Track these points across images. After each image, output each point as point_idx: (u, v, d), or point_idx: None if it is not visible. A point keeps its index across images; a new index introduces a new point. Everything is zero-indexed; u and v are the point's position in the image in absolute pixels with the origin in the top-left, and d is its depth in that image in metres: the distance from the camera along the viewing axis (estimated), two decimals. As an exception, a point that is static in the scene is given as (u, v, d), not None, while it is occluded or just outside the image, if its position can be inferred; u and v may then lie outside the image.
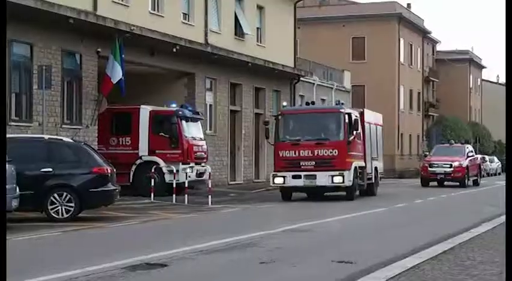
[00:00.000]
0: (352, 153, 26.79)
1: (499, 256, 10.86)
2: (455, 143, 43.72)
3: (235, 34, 36.46)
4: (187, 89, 32.99)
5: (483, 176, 50.87)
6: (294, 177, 25.98)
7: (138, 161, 28.05)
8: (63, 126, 24.75)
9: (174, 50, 29.75)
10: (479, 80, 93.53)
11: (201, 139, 29.45)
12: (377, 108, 60.69)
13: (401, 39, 65.28)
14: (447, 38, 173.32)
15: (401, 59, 65.46)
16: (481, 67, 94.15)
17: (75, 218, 17.71)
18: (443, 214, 21.18)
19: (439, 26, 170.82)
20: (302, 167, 26.05)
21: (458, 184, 38.16)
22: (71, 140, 19.18)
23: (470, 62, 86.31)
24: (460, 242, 12.54)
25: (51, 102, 23.91)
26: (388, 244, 13.64)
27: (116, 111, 28.58)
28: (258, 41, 38.92)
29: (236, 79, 36.29)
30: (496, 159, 68.12)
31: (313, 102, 31.34)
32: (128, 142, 28.38)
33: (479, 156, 45.31)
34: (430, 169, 38.48)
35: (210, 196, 23.99)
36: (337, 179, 25.76)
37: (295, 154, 26.20)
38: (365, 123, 29.11)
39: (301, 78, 43.18)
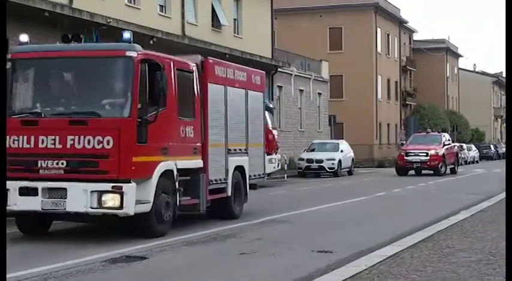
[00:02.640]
0: (159, 144, 13.20)
1: (478, 243, 10.94)
2: (432, 131, 43.82)
3: (212, 26, 36.39)
4: (164, 81, 32.82)
5: (461, 164, 51.17)
6: (23, 192, 12.81)
7: None
8: (41, 120, 24.48)
9: (151, 42, 29.62)
10: (456, 68, 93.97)
11: (274, 129, 29.86)
12: (355, 98, 61.49)
13: (378, 29, 65.43)
14: (423, 27, 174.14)
15: (379, 49, 65.62)
16: (457, 56, 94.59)
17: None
18: (422, 203, 21.28)
19: (416, 16, 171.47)
20: (41, 172, 12.85)
21: (432, 172, 38.08)
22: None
23: (446, 51, 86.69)
24: (438, 230, 12.62)
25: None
26: (367, 233, 13.69)
27: None
28: (235, 33, 38.87)
29: (214, 71, 36.17)
30: (473, 147, 68.53)
31: (78, 38, 14.57)
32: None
33: (456, 144, 45.39)
34: (406, 157, 38.28)
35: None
36: (109, 201, 12.47)
37: (28, 143, 12.97)
38: (211, 85, 15.24)
39: (279, 69, 43.20)
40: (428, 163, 38.03)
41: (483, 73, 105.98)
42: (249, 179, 17.13)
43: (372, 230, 14.19)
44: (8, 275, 8.37)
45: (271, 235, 13.39)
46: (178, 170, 13.63)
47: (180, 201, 13.76)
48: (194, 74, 14.73)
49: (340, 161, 37.97)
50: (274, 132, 29.71)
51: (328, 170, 37.26)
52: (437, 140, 39.70)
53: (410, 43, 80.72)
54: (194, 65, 14.89)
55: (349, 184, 31.40)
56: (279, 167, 31.59)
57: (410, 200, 22.25)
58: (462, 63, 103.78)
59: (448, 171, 39.68)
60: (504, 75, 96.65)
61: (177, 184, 13.58)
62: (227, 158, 15.86)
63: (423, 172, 38.51)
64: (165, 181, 13.15)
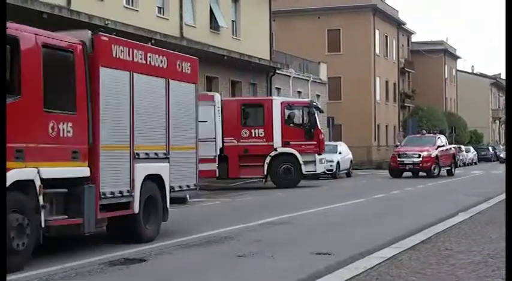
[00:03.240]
0: (8, 145, 9.71)
1: (476, 245, 10.94)
2: (428, 133, 43.79)
3: (211, 27, 36.40)
4: (163, 83, 32.80)
5: (459, 166, 51.18)
6: None
7: (273, 153, 28.55)
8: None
9: (150, 44, 29.59)
10: (454, 70, 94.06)
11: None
12: (353, 100, 61.48)
13: (376, 30, 65.45)
14: (422, 29, 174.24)
15: (377, 51, 65.65)
16: (455, 57, 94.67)
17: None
18: (420, 205, 21.28)
19: (414, 17, 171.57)
20: None
21: (425, 174, 37.77)
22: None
23: (445, 52, 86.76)
24: (437, 232, 12.61)
25: (26, 98, 23.71)
26: (366, 234, 13.68)
27: (244, 103, 29.35)
28: (233, 34, 38.88)
29: (212, 72, 36.21)
30: (472, 149, 68.56)
31: None
32: (261, 133, 28.65)
33: (453, 146, 45.25)
34: (398, 159, 37.95)
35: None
36: None
37: None
38: (105, 69, 12.00)
39: (277, 71, 43.20)
40: (420, 164, 37.68)
41: (481, 75, 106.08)
42: (172, 192, 13.70)
43: (371, 232, 14.18)
44: (7, 278, 8.36)
45: (269, 237, 13.38)
46: (45, 180, 10.33)
47: (47, 221, 10.41)
48: (76, 54, 11.45)
49: (338, 163, 37.97)
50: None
51: (327, 172, 37.21)
52: (431, 142, 39.47)
53: (408, 45, 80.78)
54: (78, 43, 11.72)
55: (347, 185, 31.41)
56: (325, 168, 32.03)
57: (409, 202, 22.24)
58: (460, 65, 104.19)
59: (445, 173, 39.63)
60: (502, 76, 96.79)
61: (41, 198, 10.22)
62: (133, 165, 12.33)
63: (420, 173, 38.44)
64: (18, 196, 9.87)
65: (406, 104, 74.98)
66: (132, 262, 10.61)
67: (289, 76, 46.16)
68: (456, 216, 15.72)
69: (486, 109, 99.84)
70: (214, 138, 27.82)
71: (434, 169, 38.00)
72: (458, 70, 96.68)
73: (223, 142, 28.37)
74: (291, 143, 28.85)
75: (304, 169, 28.92)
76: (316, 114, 29.63)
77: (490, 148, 78.97)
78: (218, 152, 28.03)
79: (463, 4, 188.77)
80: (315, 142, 29.35)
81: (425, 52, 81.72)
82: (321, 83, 52.15)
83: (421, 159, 37.65)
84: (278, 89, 44.44)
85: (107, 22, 26.58)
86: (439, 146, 39.17)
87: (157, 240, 12.68)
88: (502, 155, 65.70)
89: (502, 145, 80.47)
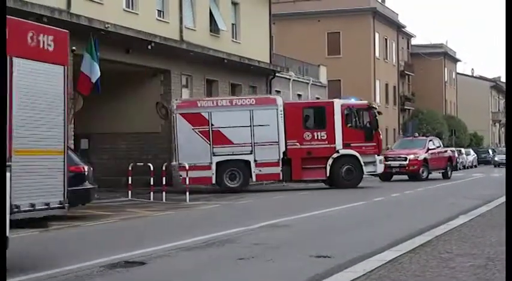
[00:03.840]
0: None
1: (477, 248, 10.93)
2: (423, 136, 43.48)
3: (211, 30, 36.41)
4: (163, 86, 32.92)
5: (459, 169, 51.11)
6: None
7: (335, 155, 29.16)
8: (39, 125, 24.40)
9: (149, 47, 29.65)
10: (454, 73, 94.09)
11: None
12: (353, 103, 61.32)
13: (376, 33, 65.50)
14: (421, 32, 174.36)
15: (377, 54, 65.69)
16: (455, 60, 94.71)
17: (52, 217, 17.56)
18: (420, 207, 21.26)
19: (414, 21, 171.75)
20: None
21: (415, 176, 37.27)
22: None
23: (444, 55, 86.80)
24: (437, 235, 12.60)
25: (26, 102, 23.68)
26: (366, 237, 13.67)
27: (306, 106, 30.21)
28: (233, 37, 38.89)
29: (212, 75, 36.23)
30: (472, 151, 68.50)
31: None
32: (323, 136, 29.22)
33: (450, 149, 44.94)
34: (386, 162, 36.46)
35: (187, 193, 23.94)
36: None
37: None
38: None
39: (277, 74, 43.21)
40: (407, 167, 37.41)
41: (481, 78, 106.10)
42: (17, 212, 10.09)
43: (370, 235, 14.17)
44: (6, 281, 8.35)
45: (269, 240, 13.36)
46: None
47: None
48: None
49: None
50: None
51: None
52: (421, 145, 39.12)
53: (408, 48, 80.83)
54: None
55: (347, 189, 31.36)
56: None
57: (409, 205, 22.24)
58: (460, 68, 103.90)
59: (439, 176, 39.34)
60: (502, 79, 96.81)
61: None
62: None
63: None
64: None
65: (406, 107, 74.99)
66: (132, 265, 10.60)
67: (289, 79, 46.17)
68: (456, 219, 15.71)
69: (486, 112, 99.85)
70: (278, 141, 28.74)
71: (422, 172, 37.71)
72: (458, 73, 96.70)
73: (286, 145, 29.09)
74: (351, 144, 29.60)
75: (365, 170, 29.90)
76: (375, 116, 30.46)
77: (490, 151, 78.94)
78: (282, 156, 28.95)
79: (462, 7, 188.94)
80: (375, 143, 30.24)
81: (425, 55, 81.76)
82: (320, 86, 52.15)
83: (407, 162, 37.36)
84: (278, 92, 44.40)
85: (106, 25, 26.60)
86: (429, 149, 38.78)
87: (157, 243, 12.67)
88: (497, 158, 65.24)
89: (502, 147, 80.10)
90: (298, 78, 48.00)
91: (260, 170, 28.91)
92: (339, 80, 61.26)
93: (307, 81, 49.42)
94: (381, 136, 31.15)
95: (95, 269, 10.19)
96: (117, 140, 32.66)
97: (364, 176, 30.81)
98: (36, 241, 14.09)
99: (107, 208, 21.19)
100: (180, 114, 28.64)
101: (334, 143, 29.36)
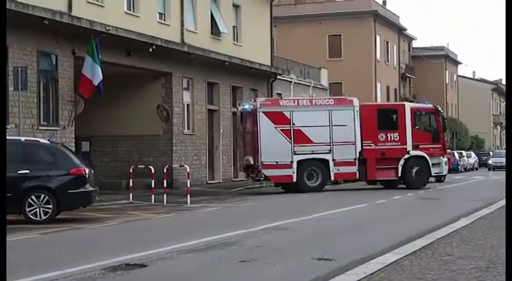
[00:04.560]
0: None
1: (478, 251, 10.92)
2: None
3: (212, 33, 36.42)
4: (164, 89, 32.93)
5: (460, 172, 51.02)
6: None
7: (406, 156, 30.29)
8: (40, 127, 24.59)
9: (151, 50, 29.66)
10: (455, 76, 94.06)
11: None
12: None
13: (377, 36, 65.52)
14: (423, 34, 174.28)
15: (378, 56, 65.71)
16: (456, 63, 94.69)
17: (53, 220, 17.62)
18: (421, 210, 21.27)
19: (415, 23, 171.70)
20: None
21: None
22: (48, 142, 19.04)
23: (446, 58, 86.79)
24: (438, 238, 12.60)
25: (27, 104, 23.76)
26: (367, 240, 13.67)
27: (380, 108, 31.42)
28: (234, 40, 38.91)
29: (213, 78, 36.25)
30: (473, 154, 68.42)
31: None
32: (396, 137, 30.25)
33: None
34: None
35: (189, 196, 23.94)
36: None
37: None
38: None
39: (278, 77, 43.21)
40: None
41: (482, 80, 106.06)
42: None
43: (372, 237, 14.17)
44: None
45: (271, 243, 13.36)
46: None
47: None
48: None
49: (340, 168, 37.84)
50: None
51: (328, 177, 37.06)
52: None
53: (409, 50, 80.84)
54: None
55: (349, 191, 31.35)
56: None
57: (410, 208, 22.23)
58: (461, 70, 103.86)
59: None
60: (503, 82, 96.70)
61: None
62: None
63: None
64: None
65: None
66: (133, 267, 10.60)
67: (290, 82, 46.17)
68: (457, 221, 15.70)
69: (487, 115, 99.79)
70: (354, 141, 29.84)
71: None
72: (459, 76, 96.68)
73: (362, 145, 30.01)
74: (419, 146, 30.67)
75: (433, 171, 31.04)
76: (443, 119, 31.71)
77: (491, 154, 78.85)
78: (358, 155, 29.87)
79: (464, 10, 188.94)
80: (441, 145, 31.42)
81: (426, 58, 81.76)
82: (322, 89, 52.15)
83: None
84: (279, 94, 44.40)
85: (108, 28, 26.61)
86: None
87: (159, 245, 12.67)
88: (491, 161, 64.72)
89: (499, 149, 79.63)
90: (300, 80, 48.01)
91: (338, 169, 29.68)
92: (340, 83, 61.26)
93: (309, 83, 49.42)
94: (446, 138, 32.44)
95: (96, 272, 10.19)
96: (118, 142, 32.68)
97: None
98: (37, 244, 14.11)
99: (108, 211, 21.19)
100: (263, 112, 29.06)
101: (406, 144, 30.48)
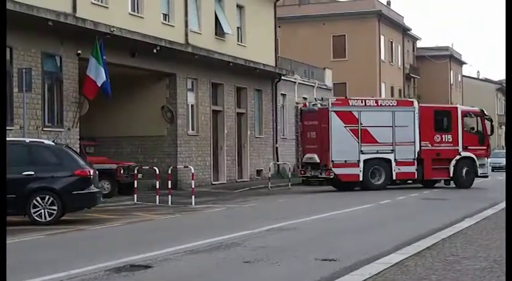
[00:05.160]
0: None
1: (482, 251, 10.91)
2: None
3: (216, 34, 36.43)
4: (168, 90, 32.94)
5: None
6: None
7: (458, 157, 31.62)
8: (45, 129, 24.63)
9: (155, 50, 29.68)
10: (459, 76, 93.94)
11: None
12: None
13: (381, 36, 65.45)
14: (427, 34, 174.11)
15: (382, 56, 65.64)
16: (461, 63, 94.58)
17: (58, 221, 17.64)
18: (426, 210, 21.24)
19: (419, 23, 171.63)
20: None
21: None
22: (52, 143, 19.07)
23: (450, 58, 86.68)
24: (443, 238, 12.60)
25: (32, 105, 23.80)
26: (372, 240, 13.67)
27: (436, 110, 32.51)
28: (238, 41, 38.91)
29: (217, 79, 36.25)
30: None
31: None
32: (449, 138, 31.65)
33: None
34: None
35: (193, 196, 23.95)
36: None
37: None
38: None
39: (283, 77, 43.20)
40: None
41: (487, 80, 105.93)
42: None
43: (377, 237, 14.17)
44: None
45: (275, 243, 13.37)
46: None
47: None
48: None
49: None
50: None
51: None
52: None
53: (413, 50, 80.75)
54: None
55: (353, 191, 31.35)
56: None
57: (415, 208, 22.22)
58: (466, 70, 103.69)
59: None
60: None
61: None
62: None
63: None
64: None
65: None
66: (138, 268, 10.61)
67: (295, 82, 46.16)
68: (462, 222, 15.70)
69: (492, 114, 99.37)
70: (413, 142, 31.03)
71: None
72: (463, 76, 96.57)
73: (420, 146, 31.21)
74: (468, 148, 31.97)
75: (479, 171, 32.39)
76: (491, 122, 33.07)
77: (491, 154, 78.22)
78: (416, 155, 31.09)
79: (468, 10, 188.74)
80: (486, 147, 32.76)
81: (431, 58, 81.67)
82: (326, 89, 52.10)
83: None
84: (283, 95, 44.44)
85: (112, 29, 26.64)
86: None
87: (163, 246, 12.67)
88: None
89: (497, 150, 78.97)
90: (304, 81, 47.98)
91: (399, 169, 30.79)
92: (345, 83, 61.21)
93: (313, 84, 49.39)
94: (490, 141, 33.59)
95: (100, 273, 10.20)
96: (122, 143, 32.70)
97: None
98: (41, 245, 14.13)
99: (113, 212, 21.21)
100: (335, 112, 29.96)
101: (457, 145, 31.77)
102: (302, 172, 31.89)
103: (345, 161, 29.97)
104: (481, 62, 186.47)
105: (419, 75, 78.85)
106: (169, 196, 24.21)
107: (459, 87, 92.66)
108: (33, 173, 17.64)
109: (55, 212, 17.58)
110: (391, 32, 68.93)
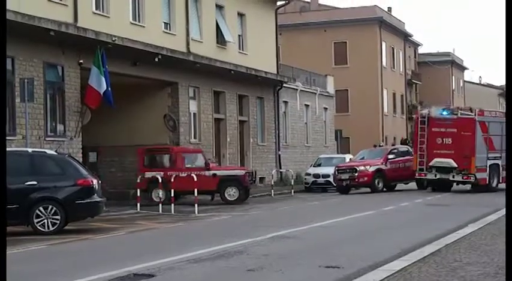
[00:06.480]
0: None
1: (486, 257, 10.89)
2: (380, 145, 42.55)
3: (217, 42, 36.49)
4: (170, 99, 32.98)
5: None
6: None
7: None
8: (47, 138, 24.66)
9: (157, 59, 29.73)
10: (461, 81, 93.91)
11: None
12: (361, 112, 61.47)
13: (383, 43, 65.47)
14: (428, 40, 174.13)
15: (384, 63, 65.64)
16: (463, 68, 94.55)
17: (61, 231, 17.64)
18: (429, 216, 21.21)
19: (420, 29, 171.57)
20: None
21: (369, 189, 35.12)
22: (55, 153, 19.09)
23: (452, 63, 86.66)
24: (446, 244, 12.58)
25: (34, 115, 23.83)
26: (375, 247, 13.65)
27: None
28: (240, 49, 38.96)
29: (219, 87, 36.29)
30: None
31: None
32: None
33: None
34: (337, 174, 35.33)
35: (196, 205, 23.94)
36: None
37: None
38: None
39: (284, 85, 43.24)
40: (356, 179, 35.17)
41: (489, 85, 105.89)
42: None
43: (380, 244, 14.14)
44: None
45: (278, 251, 13.35)
46: None
47: None
48: None
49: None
50: None
51: (334, 185, 37.02)
52: (379, 155, 37.15)
53: (415, 56, 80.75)
54: None
55: (356, 198, 31.34)
56: None
57: (418, 214, 22.17)
58: (468, 75, 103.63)
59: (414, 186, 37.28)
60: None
61: None
62: None
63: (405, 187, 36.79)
64: None
65: (413, 116, 74.65)
66: (141, 277, 10.59)
67: (296, 89, 46.19)
68: (465, 227, 15.68)
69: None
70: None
71: (378, 183, 35.24)
72: (465, 81, 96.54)
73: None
74: None
75: None
76: None
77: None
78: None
79: (469, 15, 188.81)
80: None
81: (433, 63, 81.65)
82: (328, 96, 52.16)
83: (357, 174, 34.94)
84: (285, 102, 44.48)
85: (114, 38, 26.68)
86: (388, 159, 36.03)
87: (167, 255, 12.66)
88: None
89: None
90: (306, 88, 48.02)
91: (504, 173, 33.09)
92: (347, 90, 61.24)
93: (315, 91, 49.42)
94: None
95: (104, 282, 10.19)
96: (125, 152, 32.70)
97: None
98: (45, 255, 14.13)
99: (116, 221, 21.21)
100: (478, 121, 33.09)
101: None
102: (422, 174, 33.86)
103: (480, 166, 32.94)
104: (483, 68, 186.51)
105: (421, 81, 78.83)
106: (172, 205, 24.20)
107: (461, 93, 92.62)
108: (36, 183, 17.65)
109: (58, 221, 17.59)
110: (393, 38, 68.95)
